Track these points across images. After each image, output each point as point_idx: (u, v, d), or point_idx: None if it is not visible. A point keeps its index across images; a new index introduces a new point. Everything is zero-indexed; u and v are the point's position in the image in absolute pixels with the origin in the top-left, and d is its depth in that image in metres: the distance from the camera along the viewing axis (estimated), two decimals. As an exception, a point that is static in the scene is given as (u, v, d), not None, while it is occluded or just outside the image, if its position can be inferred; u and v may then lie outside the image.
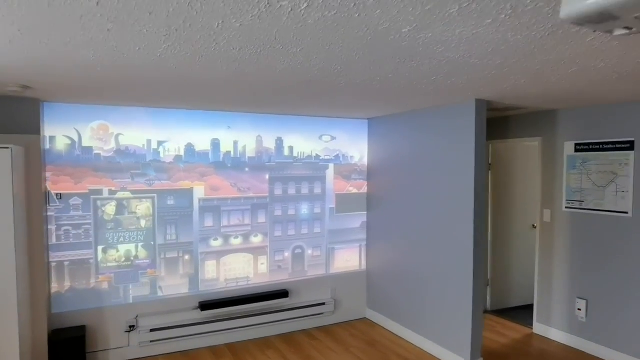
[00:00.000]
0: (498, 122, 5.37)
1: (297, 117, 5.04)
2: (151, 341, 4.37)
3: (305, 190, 5.12)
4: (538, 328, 4.96)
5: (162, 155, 4.42)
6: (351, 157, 5.38)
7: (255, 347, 4.67)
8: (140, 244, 4.36)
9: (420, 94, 3.52)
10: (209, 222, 4.64)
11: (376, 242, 5.37)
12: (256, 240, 4.89)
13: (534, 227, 5.59)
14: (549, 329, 4.83)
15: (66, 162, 4.04)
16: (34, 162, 3.79)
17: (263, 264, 4.93)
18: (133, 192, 4.31)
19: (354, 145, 5.39)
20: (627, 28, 1.27)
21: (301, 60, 2.42)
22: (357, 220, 5.46)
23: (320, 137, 5.19)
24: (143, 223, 4.37)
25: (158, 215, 4.42)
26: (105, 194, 4.20)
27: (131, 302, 4.34)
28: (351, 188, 5.39)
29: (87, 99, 3.81)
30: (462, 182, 4.07)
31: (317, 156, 5.17)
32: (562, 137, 4.65)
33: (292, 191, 5.05)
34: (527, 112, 4.92)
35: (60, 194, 4.07)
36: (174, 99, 3.76)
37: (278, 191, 4.97)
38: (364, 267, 5.51)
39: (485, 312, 5.66)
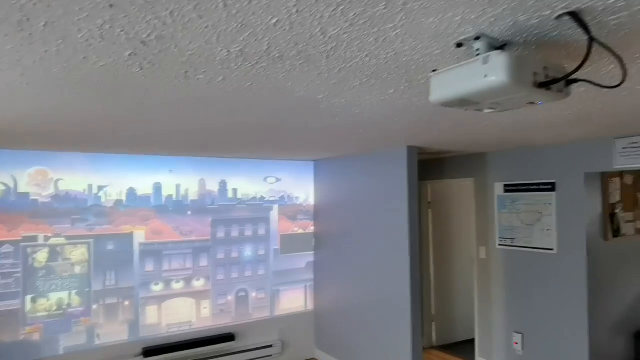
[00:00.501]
0: (435, 164, 5.72)
1: (241, 160, 5.18)
2: (87, 395, 4.25)
3: (248, 232, 5.21)
4: (479, 363, 5.18)
5: (103, 199, 4.42)
6: (296, 197, 5.55)
7: (199, 395, 4.62)
8: (74, 291, 4.28)
9: (354, 142, 3.76)
10: (149, 266, 4.63)
11: (323, 281, 5.50)
12: (198, 284, 4.90)
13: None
14: (489, 363, 5.06)
15: (-1, 209, 3.99)
16: None
17: (206, 308, 4.93)
18: (69, 237, 4.26)
19: (299, 186, 5.57)
20: (491, 108, 1.51)
21: (232, 117, 2.59)
22: (302, 260, 5.58)
23: (265, 179, 5.34)
24: (78, 269, 4.31)
25: (96, 261, 4.38)
26: (41, 241, 4.14)
27: (61, 353, 4.21)
28: (296, 228, 5.53)
29: (30, 146, 3.82)
30: (397, 222, 4.31)
31: (262, 198, 5.31)
32: (492, 178, 5.01)
33: (235, 233, 5.12)
34: (459, 155, 5.28)
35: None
36: (114, 145, 3.83)
37: (220, 234, 5.03)
38: (310, 307, 5.60)
39: (432, 347, 5.84)
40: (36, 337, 4.13)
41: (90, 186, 4.37)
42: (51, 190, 4.19)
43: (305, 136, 3.36)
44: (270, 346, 5.22)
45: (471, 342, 5.94)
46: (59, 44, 1.40)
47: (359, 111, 2.43)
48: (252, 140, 3.60)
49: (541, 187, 4.54)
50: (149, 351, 4.49)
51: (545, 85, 1.24)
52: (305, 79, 1.81)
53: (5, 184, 4.01)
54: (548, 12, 1.21)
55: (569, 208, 4.27)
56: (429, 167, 5.80)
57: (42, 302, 4.17)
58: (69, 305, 4.27)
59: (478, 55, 1.37)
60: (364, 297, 4.79)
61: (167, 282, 4.73)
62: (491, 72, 1.18)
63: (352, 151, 4.59)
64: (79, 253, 4.32)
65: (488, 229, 5.06)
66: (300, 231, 5.57)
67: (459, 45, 1.42)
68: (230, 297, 5.08)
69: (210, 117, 2.55)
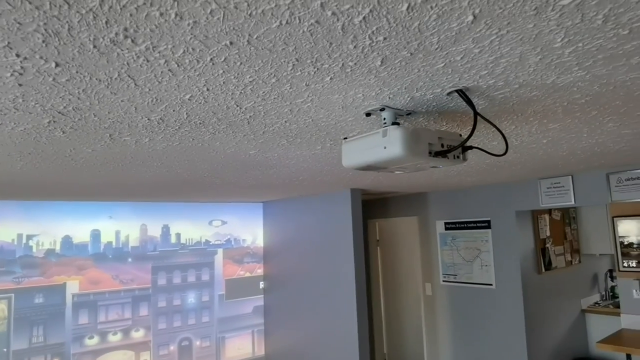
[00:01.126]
0: (380, 203, 5.91)
1: (184, 204, 5.15)
2: None
3: (192, 278, 5.13)
4: (429, 401, 5.25)
5: (34, 249, 4.25)
6: (243, 240, 5.54)
7: None
8: None
9: (297, 187, 3.86)
10: (83, 318, 4.44)
11: (273, 325, 5.45)
12: (137, 334, 4.74)
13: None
14: (438, 401, 5.14)
15: None
16: None
17: (146, 360, 4.77)
18: (6, 290, 4.05)
19: (246, 228, 5.57)
20: (400, 170, 1.64)
21: (167, 170, 2.63)
22: (249, 305, 5.52)
23: (210, 222, 5.32)
24: None
25: (20, 317, 4.13)
26: (-37, 297, 3.91)
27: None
28: (242, 272, 5.50)
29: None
30: (344, 260, 4.40)
31: (207, 241, 5.26)
32: (433, 216, 5.24)
33: (177, 280, 5.03)
34: (402, 194, 5.49)
35: None
36: (48, 194, 3.73)
37: (162, 281, 4.92)
38: (259, 353, 5.51)
39: (383, 388, 5.87)
40: None
41: (19, 235, 4.20)
42: (-24, 241, 4.00)
43: (246, 184, 3.43)
44: (217, 397, 5.09)
45: (422, 379, 6.03)
46: (-25, 113, 1.42)
47: (294, 162, 2.53)
48: (194, 190, 3.62)
49: (478, 224, 4.79)
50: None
51: (440, 154, 1.38)
52: (233, 139, 1.90)
53: None
54: (439, 90, 1.36)
55: (504, 244, 4.53)
56: (375, 206, 5.98)
57: None
58: None
59: (385, 124, 1.51)
60: (315, 339, 4.79)
61: (103, 335, 4.54)
62: (389, 144, 1.31)
63: (298, 193, 4.68)
64: None
65: (432, 266, 5.24)
66: (247, 274, 5.54)
67: (368, 114, 1.56)
68: (172, 347, 4.93)
69: (145, 171, 2.57)
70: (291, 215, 5.19)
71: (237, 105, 1.44)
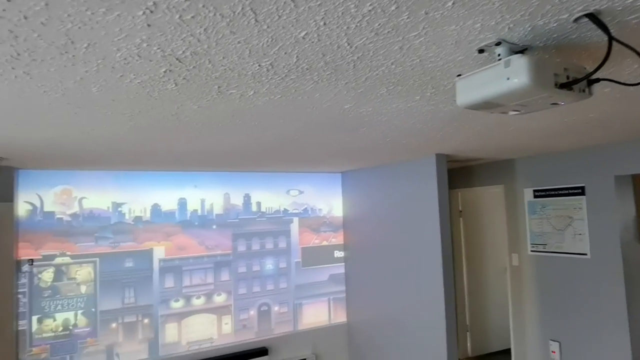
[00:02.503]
0: (464, 172, 5.76)
1: (264, 174, 5.32)
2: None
3: (269, 245, 5.33)
4: (515, 376, 5.14)
5: (127, 217, 4.59)
6: (319, 209, 5.65)
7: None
8: (79, 312, 4.33)
9: (382, 152, 3.85)
10: (169, 282, 4.76)
11: (355, 293, 5.56)
12: (219, 299, 5.01)
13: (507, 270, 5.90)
14: (525, 376, 5.02)
15: (26, 228, 4.18)
16: (7, 229, 3.93)
17: (227, 324, 5.02)
18: (88, 256, 4.40)
19: (321, 198, 5.67)
20: (515, 110, 1.59)
21: (260, 131, 2.72)
22: (325, 273, 5.65)
23: (288, 192, 5.46)
24: (83, 289, 4.35)
25: (114, 279, 4.48)
26: (65, 259, 4.29)
27: (94, 371, 4.34)
28: (317, 241, 5.62)
29: (58, 166, 4.02)
30: (429, 230, 4.37)
31: (285, 210, 5.42)
32: (521, 184, 5.03)
33: (256, 247, 5.23)
34: (488, 162, 5.32)
35: (32, 259, 4.17)
36: (140, 163, 4.00)
37: (242, 247, 5.15)
38: (337, 320, 5.65)
39: (467, 358, 5.82)
40: (44, 357, 4.19)
41: (114, 204, 4.54)
42: (75, 209, 4.38)
43: (331, 150, 3.47)
44: (304, 359, 5.30)
45: (506, 352, 5.91)
46: (99, 64, 1.54)
47: (386, 119, 2.52)
48: (277, 156, 3.72)
49: (570, 191, 4.55)
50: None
51: (566, 85, 1.32)
52: (333, 90, 1.92)
53: (31, 204, 4.21)
54: (566, 15, 1.29)
55: (600, 212, 4.27)
56: (459, 175, 5.85)
57: (48, 323, 4.22)
58: (75, 325, 4.31)
59: (499, 60, 1.46)
60: (398, 308, 4.84)
61: (188, 298, 4.84)
62: (513, 74, 1.26)
63: (380, 162, 4.68)
64: (85, 272, 4.40)
65: (519, 236, 5.07)
66: (325, 243, 5.65)
67: (481, 51, 1.52)
68: (252, 312, 5.17)
69: (240, 134, 2.68)
70: (372, 185, 5.21)
71: (348, 44, 1.45)
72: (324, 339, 5.52)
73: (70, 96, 1.87)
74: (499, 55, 1.47)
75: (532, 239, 4.92)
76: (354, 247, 5.56)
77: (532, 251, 4.93)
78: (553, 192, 4.70)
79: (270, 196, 5.35)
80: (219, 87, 1.82)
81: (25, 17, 1.18)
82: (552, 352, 4.72)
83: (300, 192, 5.54)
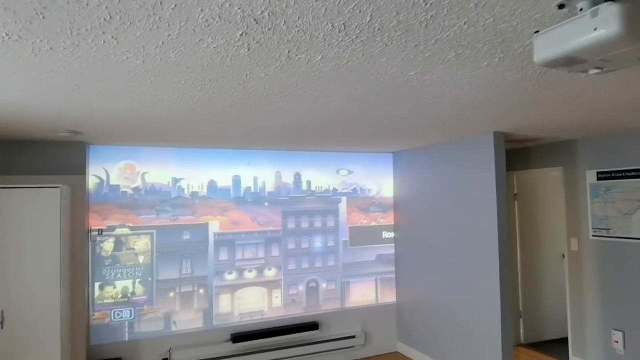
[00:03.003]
0: (520, 153, 5.62)
1: (315, 153, 5.40)
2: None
3: (318, 224, 5.41)
4: (571, 364, 5.03)
5: (185, 192, 4.79)
6: (368, 189, 5.67)
7: (278, 384, 4.85)
8: (137, 280, 4.58)
9: (439, 128, 3.82)
10: (223, 255, 4.95)
11: (405, 274, 5.58)
12: (270, 273, 5.16)
13: (563, 256, 5.73)
14: (583, 364, 4.90)
15: (94, 200, 4.45)
16: (79, 200, 4.23)
17: (277, 298, 5.17)
18: (152, 227, 4.65)
19: (370, 178, 5.69)
20: (597, 68, 1.56)
21: (322, 102, 2.77)
22: (372, 253, 5.68)
23: (337, 171, 5.52)
24: (141, 259, 4.60)
25: (173, 250, 4.72)
26: (124, 230, 4.55)
27: (143, 337, 4.59)
28: (365, 221, 5.65)
29: (123, 141, 4.25)
30: (485, 213, 4.30)
31: (335, 190, 5.49)
32: (583, 166, 4.86)
33: (305, 224, 5.34)
34: (546, 142, 5.16)
35: (102, 229, 4.46)
36: (198, 140, 4.15)
37: (291, 225, 5.27)
38: (386, 300, 5.69)
39: (519, 345, 5.73)
40: (106, 321, 4.51)
41: (173, 179, 4.75)
42: (138, 183, 4.61)
43: (387, 127, 3.48)
44: (353, 337, 5.39)
45: (561, 341, 5.77)
46: (181, 27, 1.63)
47: (449, 89, 2.51)
48: (334, 134, 3.77)
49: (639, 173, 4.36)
50: (237, 337, 4.80)
51: (658, 37, 1.28)
52: (401, 53, 1.94)
53: (99, 177, 4.48)
54: (659, -37, 1.25)
55: (674, 194, 4.07)
56: (515, 156, 5.71)
57: (109, 290, 4.50)
58: (133, 293, 4.57)
59: (581, 12, 1.43)
60: (450, 291, 4.82)
61: (240, 271, 5.02)
62: (601, 24, 1.24)
63: (434, 140, 4.64)
64: (142, 243, 4.63)
65: (579, 220, 4.91)
66: (373, 223, 5.68)
67: (561, 6, 1.49)
68: (301, 287, 5.30)
69: (301, 105, 2.74)
70: (425, 165, 5.18)
71: (424, 0, 1.46)
72: (372, 317, 5.59)
73: (149, 62, 1.98)
74: (580, 9, 1.44)
75: (594, 223, 4.75)
76: (405, 228, 5.56)
77: (593, 236, 4.76)
78: (619, 174, 4.52)
79: (320, 175, 5.42)
80: (288, 51, 1.88)
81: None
82: (615, 341, 4.57)
83: (350, 172, 5.58)
